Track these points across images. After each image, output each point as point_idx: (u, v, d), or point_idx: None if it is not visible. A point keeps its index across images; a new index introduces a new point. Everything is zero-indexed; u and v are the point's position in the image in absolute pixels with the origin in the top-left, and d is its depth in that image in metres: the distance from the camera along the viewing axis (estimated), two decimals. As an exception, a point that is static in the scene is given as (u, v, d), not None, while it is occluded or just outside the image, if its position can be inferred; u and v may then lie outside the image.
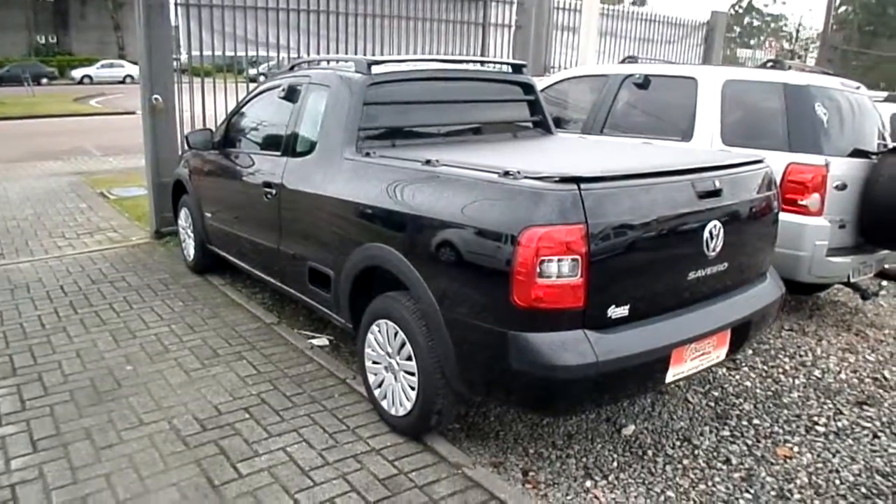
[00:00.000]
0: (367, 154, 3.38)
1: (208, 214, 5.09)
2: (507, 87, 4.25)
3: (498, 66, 4.26)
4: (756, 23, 52.90)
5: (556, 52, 8.78)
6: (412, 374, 3.00)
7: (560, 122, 5.71)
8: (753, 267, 3.19)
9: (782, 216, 4.25)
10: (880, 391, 3.89)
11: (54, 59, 41.68)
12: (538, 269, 2.39)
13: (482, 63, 4.24)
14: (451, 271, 2.73)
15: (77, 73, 39.13)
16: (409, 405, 3.06)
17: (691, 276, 2.76)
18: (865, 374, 4.10)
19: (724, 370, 4.04)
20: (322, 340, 4.26)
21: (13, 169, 11.45)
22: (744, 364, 4.13)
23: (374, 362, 3.28)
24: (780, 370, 4.08)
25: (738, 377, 3.97)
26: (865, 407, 3.70)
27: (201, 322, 4.57)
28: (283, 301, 4.98)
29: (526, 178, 2.50)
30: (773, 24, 51.63)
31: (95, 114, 23.14)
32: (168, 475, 2.88)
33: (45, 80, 36.92)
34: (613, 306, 2.54)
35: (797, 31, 45.77)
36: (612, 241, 2.50)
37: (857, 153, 4.50)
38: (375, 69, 3.63)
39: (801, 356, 4.29)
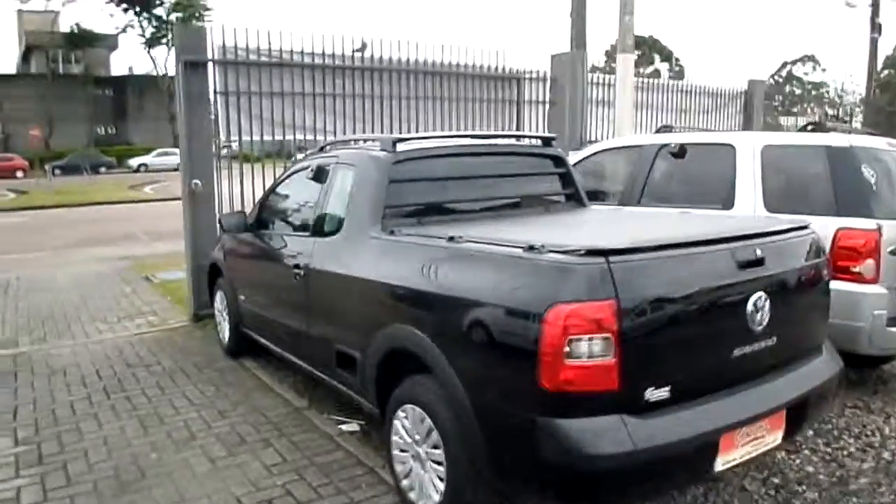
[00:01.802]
0: (392, 232, 3.32)
1: (242, 297, 5.07)
2: (537, 160, 4.19)
3: (527, 139, 4.21)
4: (797, 91, 52.80)
5: (592, 126, 8.78)
6: (440, 463, 2.82)
7: (597, 195, 5.61)
8: (806, 340, 2.95)
9: (836, 285, 4.02)
10: (960, 476, 3.51)
11: (113, 149, 43.98)
12: (567, 350, 2.23)
13: (511, 137, 4.20)
14: (477, 353, 2.58)
15: (134, 162, 41.10)
16: (437, 497, 2.85)
17: (737, 352, 2.55)
18: (943, 456, 3.73)
19: (784, 453, 3.71)
20: (352, 426, 4.10)
21: (65, 254, 11.86)
22: (805, 447, 3.80)
23: (402, 450, 3.11)
24: (845, 453, 3.73)
25: (798, 461, 3.64)
26: (944, 494, 3.33)
27: (231, 407, 4.47)
28: (315, 385, 4.86)
29: (551, 251, 2.38)
30: (814, 92, 51.44)
31: (148, 200, 24.04)
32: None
33: (103, 169, 38.92)
34: (652, 388, 2.35)
35: (840, 96, 45.41)
36: (646, 318, 2.33)
37: None
38: (401, 147, 3.62)
39: (867, 436, 3.94)
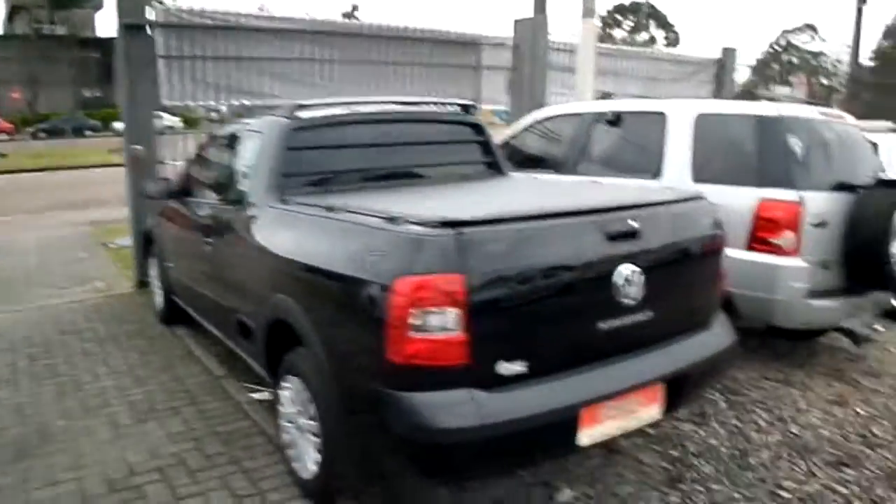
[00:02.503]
0: (286, 202, 3.24)
1: (170, 265, 5.02)
2: (455, 128, 4.09)
3: (444, 107, 4.11)
4: (795, 60, 52.13)
5: (555, 94, 8.63)
6: (318, 435, 2.79)
7: (539, 163, 5.54)
8: (690, 314, 2.90)
9: (756, 257, 3.98)
10: (865, 450, 3.50)
11: (99, 112, 43.44)
12: (413, 323, 2.18)
13: (429, 104, 4.10)
14: (337, 325, 2.55)
15: (119, 126, 40.50)
16: (314, 468, 2.83)
17: (604, 326, 2.49)
18: (851, 429, 3.71)
19: (692, 425, 3.70)
20: (264, 395, 4.07)
21: (36, 218, 11.79)
22: (714, 419, 3.79)
23: (288, 421, 3.08)
24: (754, 426, 3.72)
25: (704, 434, 3.62)
26: (844, 468, 3.32)
27: (150, 375, 4.44)
28: (237, 355, 4.83)
29: (408, 222, 2.31)
30: (812, 62, 50.79)
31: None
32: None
33: (88, 132, 38.41)
34: (505, 363, 2.30)
35: (835, 66, 44.78)
36: (499, 291, 2.27)
37: (840, 187, 4.19)
38: (303, 113, 3.52)
39: (780, 410, 3.92)
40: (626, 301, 2.51)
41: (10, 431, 3.67)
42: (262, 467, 3.25)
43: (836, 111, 4.62)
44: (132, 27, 6.13)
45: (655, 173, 4.53)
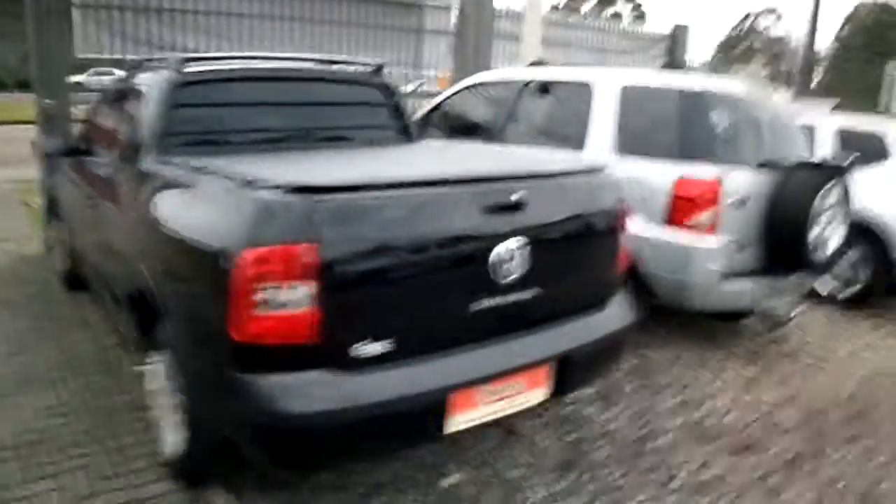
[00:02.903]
0: (163, 162, 2.97)
1: (69, 226, 4.70)
2: (362, 90, 3.84)
3: (354, 66, 3.85)
4: (756, 44, 52.48)
5: (499, 62, 8.38)
6: (180, 413, 2.58)
7: (466, 131, 5.33)
8: (584, 294, 2.74)
9: (670, 237, 3.85)
10: (769, 436, 3.42)
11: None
12: (258, 298, 1.97)
13: (336, 63, 3.84)
14: (190, 299, 2.32)
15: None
16: (180, 448, 2.62)
17: (477, 306, 2.31)
18: (759, 414, 3.64)
19: (595, 408, 3.59)
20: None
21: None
22: (619, 402, 3.67)
23: (154, 397, 2.86)
24: (657, 410, 3.62)
25: (606, 417, 3.51)
26: (744, 455, 3.23)
27: (38, 344, 4.15)
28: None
29: (262, 187, 2.08)
30: (774, 48, 51.18)
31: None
32: None
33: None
34: (364, 343, 2.10)
35: (798, 52, 45.12)
36: (356, 265, 2.07)
37: (764, 165, 4.07)
38: (189, 67, 3.24)
39: (688, 393, 3.83)
40: (504, 279, 2.33)
41: None
42: (131, 445, 3.03)
43: (764, 89, 4.48)
44: (43, -28, 5.70)
45: (579, 144, 4.36)
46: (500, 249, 2.29)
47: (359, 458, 2.47)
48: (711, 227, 3.83)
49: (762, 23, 52.66)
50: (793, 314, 4.36)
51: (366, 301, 2.11)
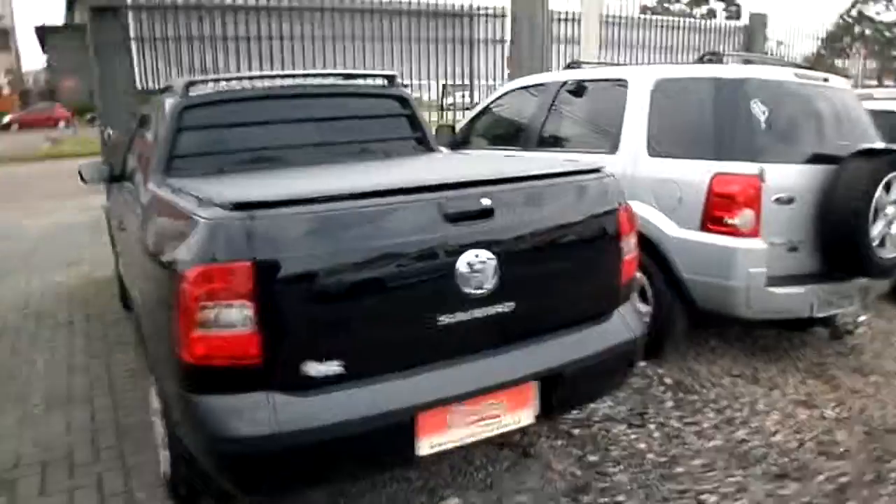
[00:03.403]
0: (164, 184, 3.02)
1: (115, 249, 4.92)
2: (377, 102, 3.78)
3: (364, 80, 3.81)
4: (867, 32, 48.80)
5: (558, 68, 8.16)
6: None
7: (504, 139, 5.19)
8: (577, 306, 2.53)
9: (709, 238, 3.58)
10: (819, 460, 3.05)
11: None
12: (198, 318, 1.93)
13: (349, 77, 3.81)
14: (154, 318, 2.32)
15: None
16: (167, 467, 2.63)
17: (442, 321, 2.16)
18: (811, 435, 3.26)
19: (625, 426, 3.34)
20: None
21: (61, 202, 12.00)
22: (654, 420, 3.40)
23: (153, 416, 2.89)
24: (696, 429, 3.32)
25: (634, 437, 3.25)
26: (786, 481, 2.90)
27: (86, 363, 4.34)
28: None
29: (213, 205, 2.05)
30: (887, 33, 47.42)
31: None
32: None
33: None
34: (315, 363, 2.01)
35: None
36: (300, 282, 1.98)
37: (816, 159, 3.69)
38: (193, 90, 3.29)
39: (733, 410, 3.50)
40: (473, 293, 2.17)
41: None
42: (143, 463, 3.07)
43: (820, 73, 4.07)
44: (103, 9, 6.04)
45: (613, 148, 4.12)
46: (465, 261, 2.14)
47: (325, 481, 2.37)
48: (753, 227, 3.50)
49: (872, 8, 48.99)
50: (860, 321, 3.91)
51: (313, 319, 2.03)
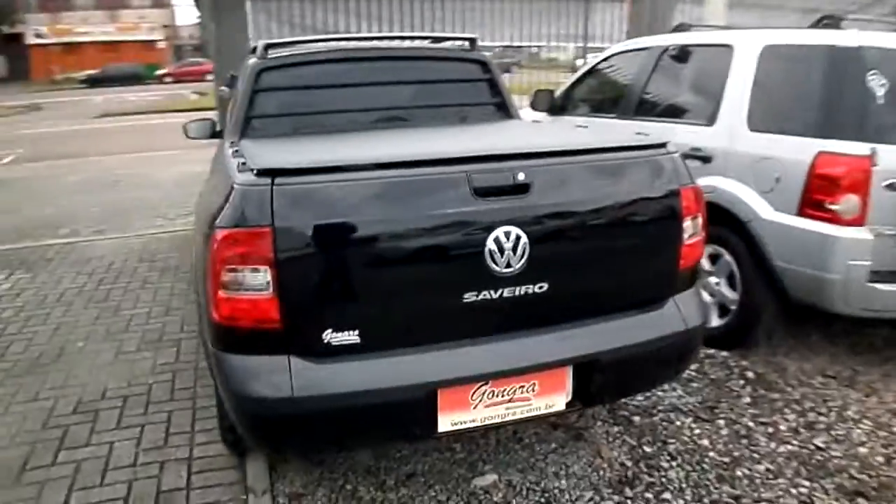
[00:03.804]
0: (232, 147, 3.12)
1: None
2: (456, 66, 3.68)
3: (448, 42, 3.70)
4: None
5: (681, 29, 7.61)
6: None
7: (602, 106, 4.94)
8: (624, 290, 2.36)
9: (805, 224, 3.26)
10: (908, 479, 2.73)
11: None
12: (223, 279, 1.98)
13: (427, 40, 3.72)
14: (195, 273, 2.41)
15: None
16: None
17: (470, 298, 2.08)
18: (904, 450, 2.92)
19: (690, 420, 3.13)
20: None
21: (196, 152, 12.77)
22: (724, 416, 3.17)
23: None
24: (770, 430, 3.06)
25: (700, 431, 3.04)
26: (860, 498, 2.62)
27: (182, 307, 4.66)
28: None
29: (244, 171, 2.09)
30: None
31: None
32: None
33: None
34: (332, 331, 2.01)
35: None
36: (320, 250, 1.98)
37: None
38: (273, 52, 3.35)
39: (818, 414, 3.18)
40: (503, 271, 2.07)
41: (35, 348, 4.03)
42: (210, 407, 3.26)
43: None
44: (220, -30, 6.30)
45: (710, 120, 3.80)
46: (494, 239, 2.05)
47: (343, 447, 2.40)
48: (858, 215, 3.12)
49: None
50: None
51: (332, 288, 2.02)
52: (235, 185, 2.00)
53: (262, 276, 1.95)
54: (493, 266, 2.06)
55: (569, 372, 2.25)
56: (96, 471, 2.81)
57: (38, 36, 43.84)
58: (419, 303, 2.08)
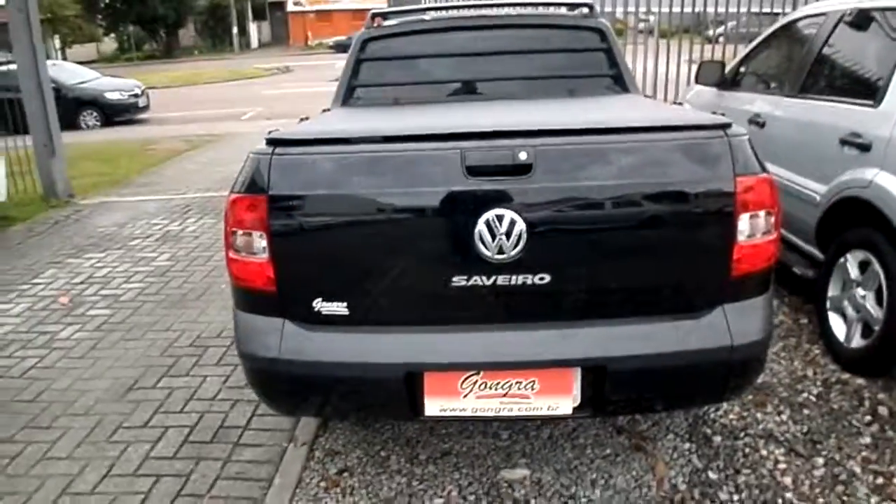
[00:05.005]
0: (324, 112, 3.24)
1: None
2: (570, 34, 3.42)
3: (563, 8, 3.42)
4: None
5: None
6: None
7: (769, 81, 4.36)
8: (646, 293, 2.03)
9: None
10: None
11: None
12: (230, 241, 2.10)
13: (544, 5, 3.46)
14: None
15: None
16: None
17: (459, 282, 1.95)
18: None
19: (783, 451, 2.69)
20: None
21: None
22: (827, 454, 2.66)
23: None
24: (878, 482, 2.50)
25: (784, 466, 2.59)
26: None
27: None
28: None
29: (266, 139, 2.16)
30: None
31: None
32: (102, 375, 3.43)
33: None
34: (321, 300, 2.03)
35: None
36: (309, 220, 1.99)
37: None
38: (378, 22, 3.40)
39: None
40: (495, 257, 1.91)
41: (188, 286, 4.59)
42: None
43: None
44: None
45: (875, 98, 3.15)
46: (485, 221, 1.90)
47: (334, 413, 2.41)
48: None
49: None
50: None
51: (321, 259, 2.03)
52: (250, 154, 2.08)
53: (258, 241, 2.02)
54: (484, 251, 1.92)
55: (575, 374, 2.05)
56: (182, 399, 3.16)
57: (297, 3, 48.25)
58: (406, 281, 2.02)
